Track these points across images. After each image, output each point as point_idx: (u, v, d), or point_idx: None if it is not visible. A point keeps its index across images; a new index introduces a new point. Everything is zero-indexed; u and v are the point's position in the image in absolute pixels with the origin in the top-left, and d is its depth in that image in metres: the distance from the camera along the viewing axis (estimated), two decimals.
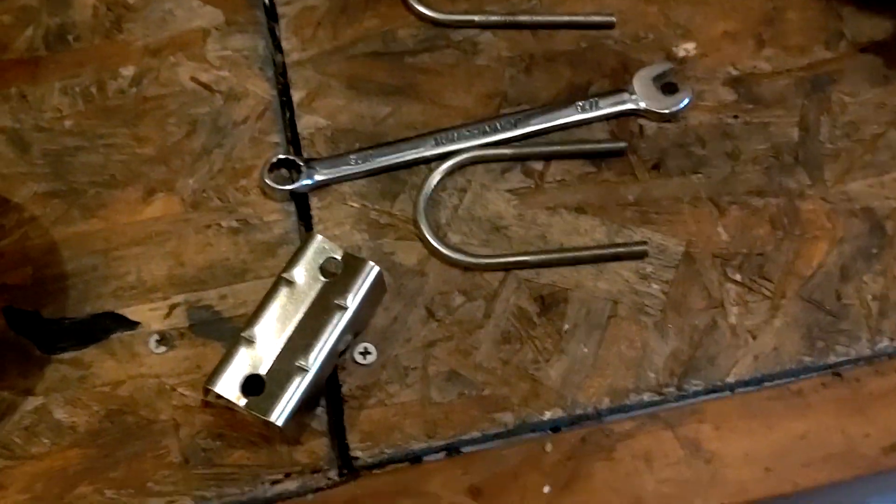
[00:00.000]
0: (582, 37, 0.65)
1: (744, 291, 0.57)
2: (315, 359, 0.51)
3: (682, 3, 0.66)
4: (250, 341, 0.51)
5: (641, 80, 0.62)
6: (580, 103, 0.62)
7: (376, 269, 0.53)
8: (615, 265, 0.58)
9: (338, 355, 0.54)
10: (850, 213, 0.59)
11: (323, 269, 0.53)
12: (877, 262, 0.58)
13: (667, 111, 0.61)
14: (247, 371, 0.51)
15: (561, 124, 0.62)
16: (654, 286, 0.57)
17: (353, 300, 0.52)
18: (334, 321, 0.52)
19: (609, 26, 0.65)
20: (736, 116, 0.62)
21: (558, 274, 0.58)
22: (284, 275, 0.53)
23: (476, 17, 0.65)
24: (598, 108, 0.62)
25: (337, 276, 0.53)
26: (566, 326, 0.56)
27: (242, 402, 0.50)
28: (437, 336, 0.56)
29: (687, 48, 0.65)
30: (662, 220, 0.59)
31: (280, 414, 0.49)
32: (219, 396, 0.50)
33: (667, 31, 0.65)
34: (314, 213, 0.59)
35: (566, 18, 0.65)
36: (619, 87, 0.63)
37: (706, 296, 0.57)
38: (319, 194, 0.60)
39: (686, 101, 0.61)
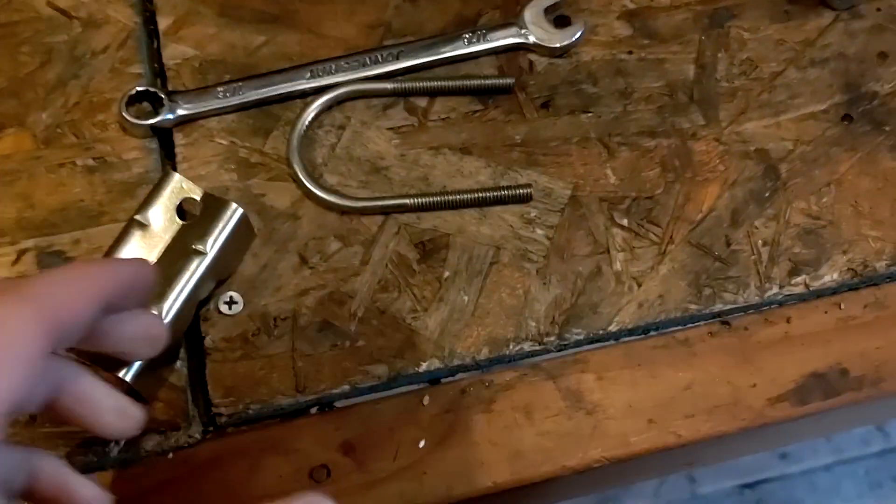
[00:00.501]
0: None
1: (630, 237, 0.55)
2: (169, 308, 0.47)
3: None
4: None
5: (533, 13, 0.59)
6: (467, 35, 0.58)
7: (240, 211, 0.49)
8: (499, 209, 0.55)
9: (198, 304, 0.50)
10: (744, 155, 0.57)
11: (181, 211, 0.49)
12: (769, 205, 0.56)
13: (557, 46, 0.58)
14: None
15: (447, 58, 0.58)
16: (539, 231, 0.54)
17: (212, 244, 0.49)
18: (191, 267, 0.48)
19: None
20: (630, 52, 0.59)
21: (440, 218, 0.55)
22: (137, 217, 0.49)
23: None
24: (485, 40, 0.58)
25: (196, 219, 0.49)
26: (447, 274, 0.53)
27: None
28: (310, 284, 0.52)
29: None
30: (549, 161, 0.56)
31: (129, 369, 0.46)
32: None
33: None
34: (178, 150, 0.55)
35: None
36: (510, 19, 0.59)
37: (591, 241, 0.54)
38: (185, 130, 0.56)
39: (578, 35, 0.58)
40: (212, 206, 0.49)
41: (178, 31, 0.58)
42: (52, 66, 0.57)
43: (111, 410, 0.41)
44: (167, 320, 0.47)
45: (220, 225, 0.49)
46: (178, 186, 0.50)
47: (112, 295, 0.38)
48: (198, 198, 0.50)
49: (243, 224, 0.50)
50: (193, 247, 0.48)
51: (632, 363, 0.53)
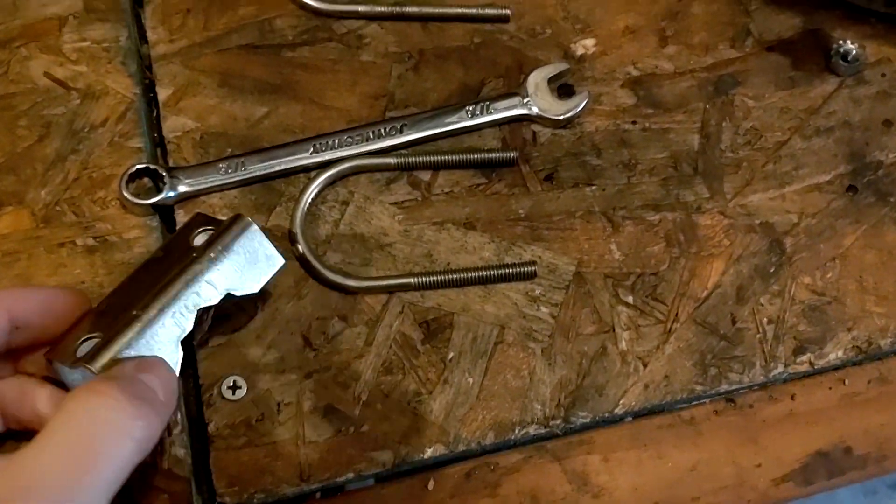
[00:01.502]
0: (475, 31, 0.61)
1: (636, 314, 0.54)
2: (151, 305, 0.46)
3: None
4: (102, 312, 0.48)
5: (536, 83, 0.58)
6: (470, 108, 0.58)
7: (252, 225, 0.49)
8: (504, 286, 0.54)
9: (197, 312, 0.47)
10: (749, 229, 0.57)
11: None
12: (774, 281, 0.55)
13: (561, 118, 0.58)
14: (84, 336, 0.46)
15: (450, 130, 0.57)
16: (543, 309, 0.54)
17: (214, 247, 0.48)
18: (184, 264, 0.47)
19: (504, 20, 0.60)
20: (634, 122, 0.59)
21: (444, 296, 0.54)
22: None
23: (361, 8, 0.60)
24: (489, 112, 0.58)
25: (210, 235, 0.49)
26: (451, 354, 0.53)
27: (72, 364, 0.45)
28: (314, 367, 0.52)
29: (586, 45, 0.61)
30: (554, 236, 0.56)
31: (97, 359, 0.44)
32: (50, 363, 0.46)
33: (565, 26, 0.61)
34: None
35: (458, 11, 0.60)
36: (514, 87, 0.59)
37: (596, 319, 0.54)
38: (186, 207, 0.55)
39: (581, 106, 0.58)
40: (228, 223, 0.49)
41: (178, 103, 0.58)
42: (50, 141, 0.56)
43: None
44: (147, 316, 0.45)
45: (228, 233, 0.48)
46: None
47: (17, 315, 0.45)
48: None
49: (256, 239, 0.49)
50: (193, 246, 0.48)
51: (637, 444, 0.53)
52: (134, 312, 0.45)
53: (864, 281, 0.56)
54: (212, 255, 0.47)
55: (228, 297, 0.48)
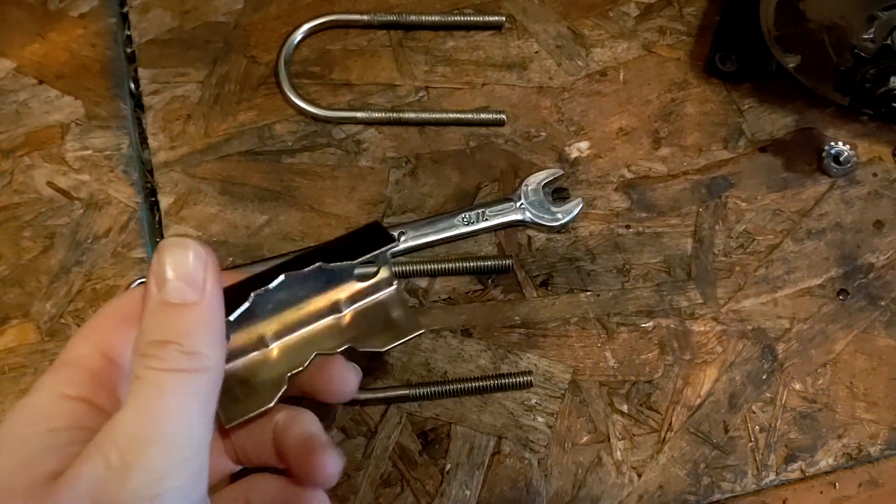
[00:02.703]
0: (471, 134, 0.62)
1: (630, 423, 0.55)
2: (274, 341, 0.46)
3: (576, 94, 0.63)
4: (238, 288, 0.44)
5: (530, 188, 0.59)
6: (465, 215, 0.58)
7: (394, 289, 0.49)
8: (500, 395, 0.55)
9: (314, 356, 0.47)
10: (742, 335, 0.57)
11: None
12: (766, 388, 0.56)
13: (555, 224, 0.59)
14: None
15: (446, 237, 0.58)
16: (540, 419, 0.55)
17: (348, 303, 0.48)
18: (323, 307, 0.47)
19: (499, 124, 0.61)
20: (628, 226, 0.60)
21: (441, 406, 0.55)
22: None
23: (359, 114, 0.61)
24: (485, 219, 0.59)
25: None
26: (448, 466, 0.54)
27: None
28: None
29: (580, 147, 0.61)
30: (549, 343, 0.57)
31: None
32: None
33: (559, 129, 0.62)
34: None
35: (454, 115, 0.61)
36: (509, 191, 0.60)
37: (592, 429, 0.55)
38: None
39: (575, 213, 0.59)
40: (373, 287, 0.49)
41: (180, 211, 0.59)
42: (54, 252, 0.57)
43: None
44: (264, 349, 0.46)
45: (368, 292, 0.48)
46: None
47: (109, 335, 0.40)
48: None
49: (394, 302, 0.49)
50: (335, 300, 0.48)
51: None
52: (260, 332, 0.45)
53: (854, 387, 0.57)
54: (351, 310, 0.48)
55: (352, 349, 0.48)
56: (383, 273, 0.48)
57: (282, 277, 0.42)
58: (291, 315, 0.47)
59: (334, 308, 0.48)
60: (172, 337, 0.36)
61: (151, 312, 0.36)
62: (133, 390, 0.35)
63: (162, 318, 0.36)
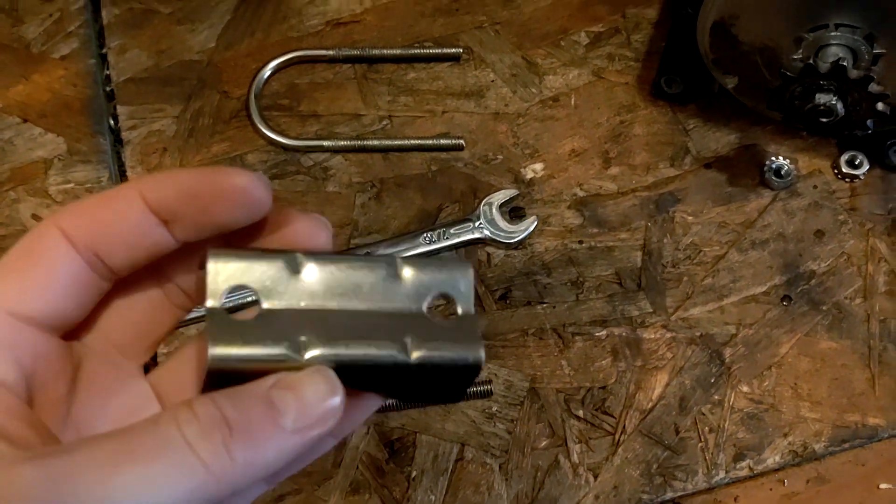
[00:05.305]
0: (432, 159, 0.65)
1: (586, 428, 0.58)
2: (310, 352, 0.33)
3: (531, 119, 0.66)
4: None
5: (488, 208, 0.63)
6: (428, 235, 0.62)
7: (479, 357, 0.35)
8: (463, 404, 0.59)
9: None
10: (690, 341, 0.61)
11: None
12: (715, 391, 0.59)
13: (512, 241, 0.62)
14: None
15: (409, 256, 0.62)
16: (500, 425, 0.58)
17: (417, 343, 0.35)
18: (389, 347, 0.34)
19: (458, 149, 0.65)
20: (581, 241, 0.63)
21: (407, 416, 0.58)
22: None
23: (326, 143, 0.64)
24: (446, 238, 0.62)
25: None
26: (414, 473, 0.57)
27: None
28: (286, 489, 0.56)
29: (535, 169, 0.65)
30: (509, 353, 0.60)
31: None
32: None
33: (515, 152, 0.65)
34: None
35: (416, 142, 0.65)
36: (469, 212, 0.63)
37: (550, 433, 0.58)
38: None
39: (530, 230, 0.62)
40: (461, 322, 0.36)
41: None
42: None
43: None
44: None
45: (447, 349, 0.35)
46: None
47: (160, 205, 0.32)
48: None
49: (462, 369, 0.35)
50: (405, 340, 0.35)
51: None
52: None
53: (798, 388, 0.60)
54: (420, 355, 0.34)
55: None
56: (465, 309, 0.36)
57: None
58: (337, 320, 0.35)
59: (396, 334, 0.35)
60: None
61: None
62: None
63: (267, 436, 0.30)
